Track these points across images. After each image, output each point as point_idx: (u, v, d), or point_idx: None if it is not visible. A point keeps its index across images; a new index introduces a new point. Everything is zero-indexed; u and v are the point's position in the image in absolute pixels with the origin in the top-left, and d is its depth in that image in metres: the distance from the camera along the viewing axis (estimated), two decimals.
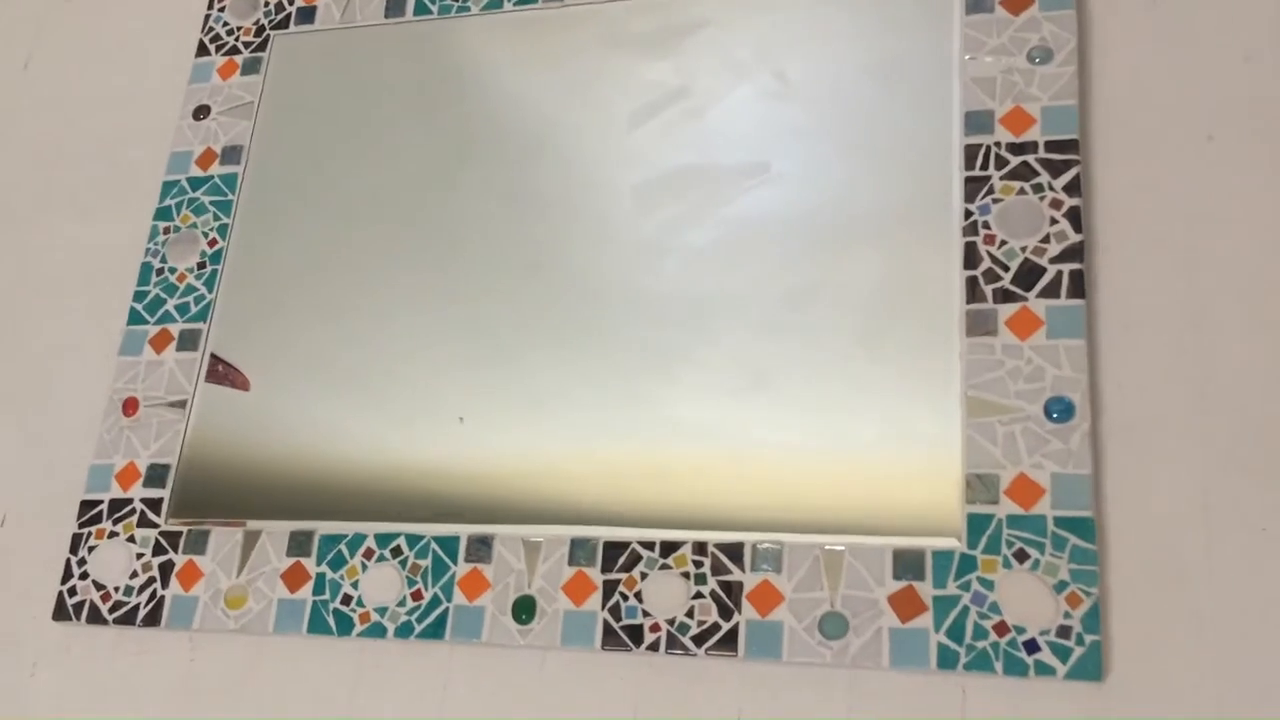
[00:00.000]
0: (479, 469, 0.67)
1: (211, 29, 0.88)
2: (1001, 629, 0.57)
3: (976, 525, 0.59)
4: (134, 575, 0.72)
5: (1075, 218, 0.63)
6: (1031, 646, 0.56)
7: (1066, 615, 0.56)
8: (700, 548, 0.63)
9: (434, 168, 0.77)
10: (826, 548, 0.61)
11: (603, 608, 0.63)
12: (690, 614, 0.62)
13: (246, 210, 0.81)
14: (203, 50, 0.87)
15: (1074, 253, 0.62)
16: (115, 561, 0.73)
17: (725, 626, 0.61)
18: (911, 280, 0.64)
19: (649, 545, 0.64)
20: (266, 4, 0.87)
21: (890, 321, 0.64)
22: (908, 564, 0.59)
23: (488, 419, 0.67)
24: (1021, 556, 0.58)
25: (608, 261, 0.68)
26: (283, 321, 0.76)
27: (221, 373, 0.74)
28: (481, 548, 0.67)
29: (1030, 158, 0.65)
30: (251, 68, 0.85)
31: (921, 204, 0.66)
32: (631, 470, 0.64)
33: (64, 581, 0.73)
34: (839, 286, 0.64)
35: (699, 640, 0.61)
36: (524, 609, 0.64)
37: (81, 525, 0.75)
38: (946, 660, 0.57)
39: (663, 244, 0.68)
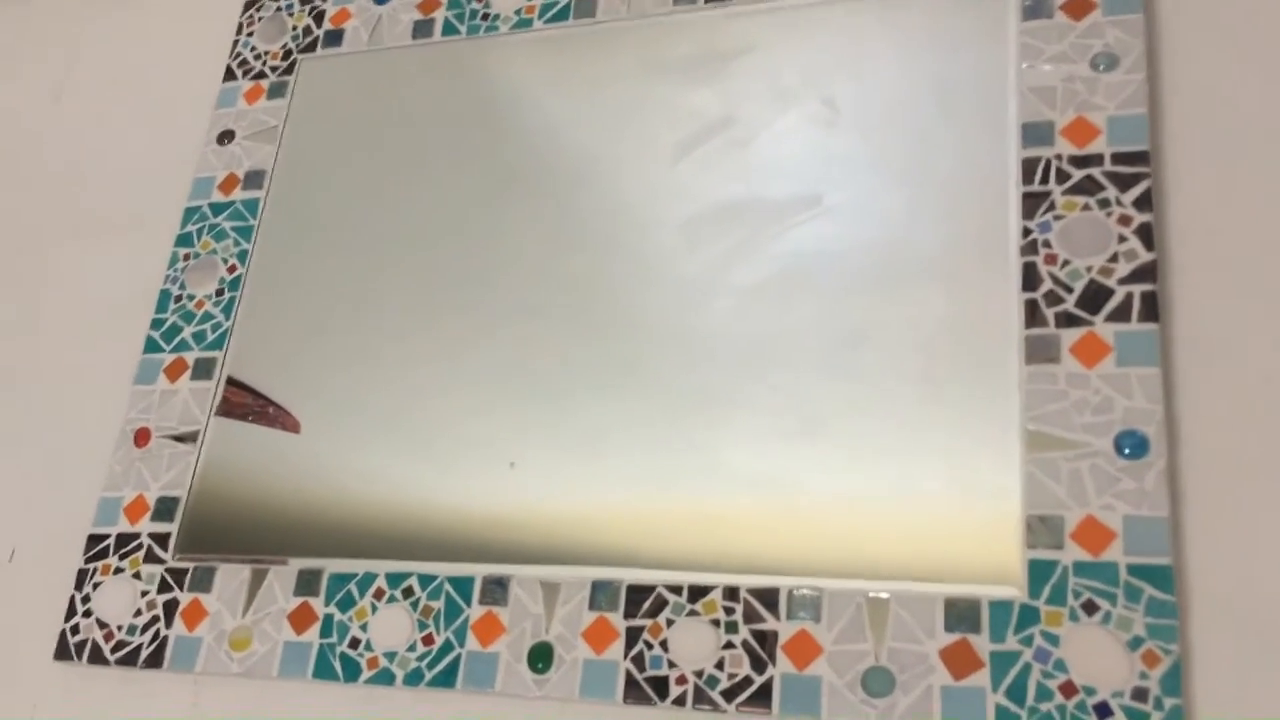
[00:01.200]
0: (525, 516, 0.64)
1: (239, 54, 0.86)
2: (1068, 689, 0.51)
3: (1039, 573, 0.53)
4: (138, 614, 0.68)
5: (1146, 235, 0.57)
6: (1103, 710, 0.50)
7: (1143, 675, 0.50)
8: (731, 593, 0.58)
9: (469, 197, 0.73)
10: (871, 595, 0.55)
11: (625, 657, 0.58)
12: (720, 665, 0.56)
13: (268, 236, 0.78)
14: (230, 75, 0.85)
15: (1145, 273, 0.57)
16: (119, 599, 0.69)
17: (758, 680, 0.55)
18: (972, 316, 0.59)
19: (676, 589, 0.59)
20: (294, 28, 0.85)
21: (950, 361, 0.60)
22: (961, 614, 0.53)
23: (535, 464, 0.64)
24: (1090, 608, 0.52)
25: (654, 300, 0.65)
26: (311, 356, 0.73)
27: (272, 415, 0.70)
28: (497, 589, 0.62)
29: (1095, 171, 0.60)
30: (277, 92, 0.83)
31: (981, 231, 0.61)
32: (681, 519, 0.61)
33: (67, 619, 0.70)
34: (896, 325, 0.61)
35: (729, 695, 0.56)
36: (540, 657, 0.59)
37: (88, 560, 0.71)
38: None
39: (711, 282, 0.65)
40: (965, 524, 0.56)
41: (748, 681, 0.56)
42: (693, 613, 0.58)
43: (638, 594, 0.59)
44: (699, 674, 0.57)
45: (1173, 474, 0.53)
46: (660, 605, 0.59)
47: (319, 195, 0.78)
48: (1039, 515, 0.54)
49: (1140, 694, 0.50)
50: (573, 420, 0.64)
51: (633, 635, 0.58)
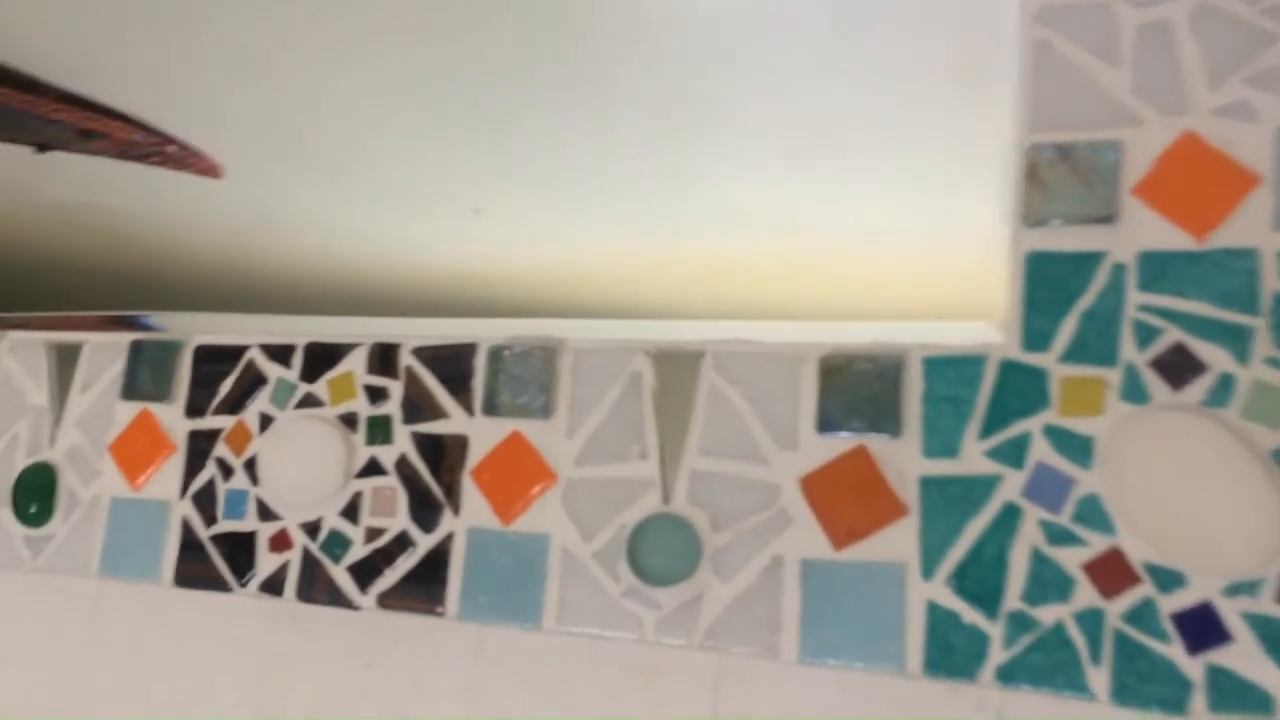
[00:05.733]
0: (494, 270, 0.54)
1: None
2: (1111, 572, 0.20)
3: (1047, 288, 0.21)
4: None
5: None
6: (1199, 627, 0.19)
7: None
8: (384, 358, 0.27)
9: None
10: (654, 352, 0.24)
11: (184, 493, 0.28)
12: (352, 513, 0.26)
13: None
14: None
15: None
16: None
17: (424, 544, 0.25)
18: None
19: (280, 353, 0.28)
20: None
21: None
22: (856, 389, 0.22)
23: (501, 208, 0.52)
24: (1179, 370, 0.20)
25: None
26: (192, 71, 0.49)
27: (176, 155, 0.52)
28: None
29: None
30: None
31: None
32: (676, 265, 0.50)
33: None
34: None
35: (365, 574, 0.26)
36: (36, 493, 0.30)
37: None
38: (953, 658, 0.21)
39: None
40: None
41: (402, 545, 0.26)
42: (308, 400, 0.27)
43: (214, 363, 0.29)
44: (312, 530, 0.27)
45: None
46: (251, 384, 0.28)
47: None
48: (1055, 143, 0.22)
49: None
50: (537, 152, 0.50)
51: (199, 448, 0.28)
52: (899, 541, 0.21)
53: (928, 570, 0.21)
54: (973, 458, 0.21)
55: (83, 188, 0.59)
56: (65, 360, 0.31)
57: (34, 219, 0.65)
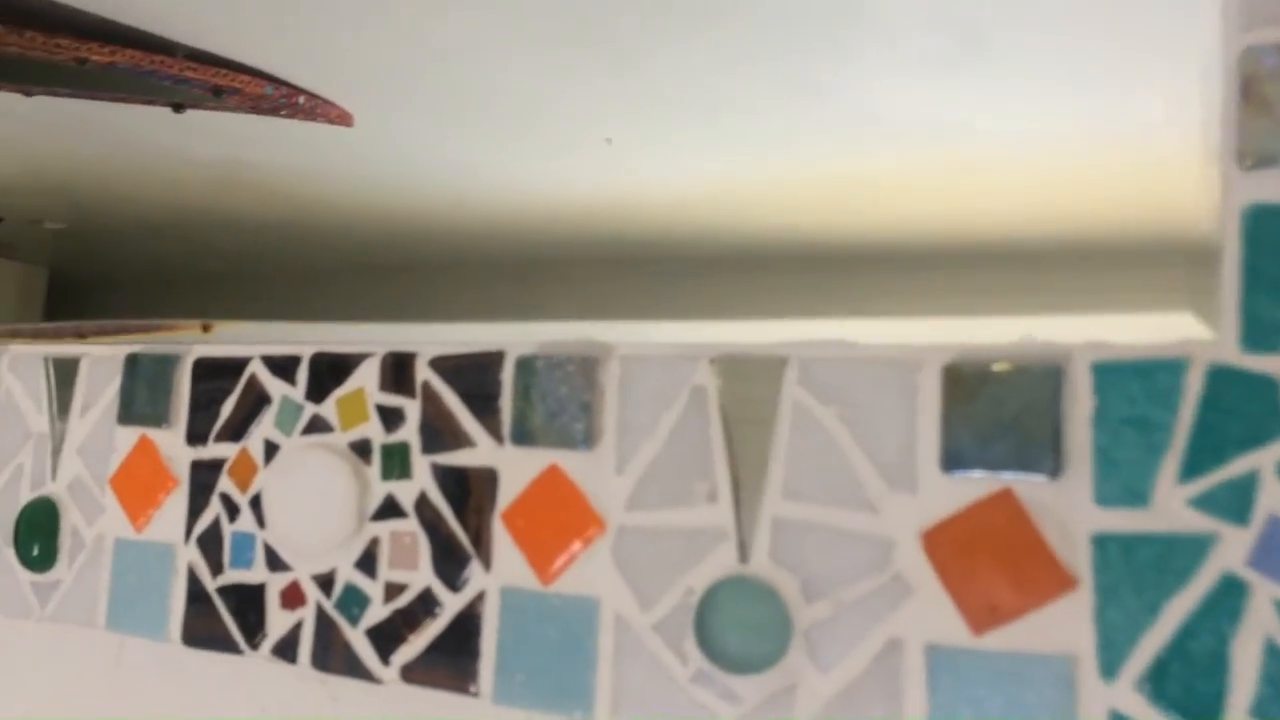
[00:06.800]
0: (632, 199, 0.52)
1: None
2: None
3: (1277, 260, 0.15)
4: None
5: None
6: None
7: None
8: (397, 371, 0.22)
9: None
10: (721, 360, 0.18)
11: (188, 535, 0.24)
12: (369, 564, 0.22)
13: None
14: None
15: None
16: None
17: (451, 605, 0.21)
18: None
19: (283, 366, 0.23)
20: None
21: None
22: (997, 408, 0.16)
23: (633, 137, 0.49)
24: None
25: None
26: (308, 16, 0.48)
27: (306, 106, 0.51)
28: None
29: None
30: None
31: None
32: (820, 184, 0.47)
33: None
34: None
35: (386, 640, 0.21)
36: (36, 533, 0.26)
37: None
38: None
39: None
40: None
41: (426, 606, 0.21)
42: (317, 424, 0.23)
43: (215, 380, 0.24)
44: (326, 583, 0.22)
45: None
46: (255, 404, 0.24)
47: None
48: None
49: None
50: (670, 78, 0.47)
51: (202, 482, 0.24)
52: (1065, 625, 0.15)
53: (1109, 667, 0.15)
54: (1171, 508, 0.15)
55: (226, 145, 0.58)
56: (65, 378, 0.27)
57: (183, 178, 0.66)
